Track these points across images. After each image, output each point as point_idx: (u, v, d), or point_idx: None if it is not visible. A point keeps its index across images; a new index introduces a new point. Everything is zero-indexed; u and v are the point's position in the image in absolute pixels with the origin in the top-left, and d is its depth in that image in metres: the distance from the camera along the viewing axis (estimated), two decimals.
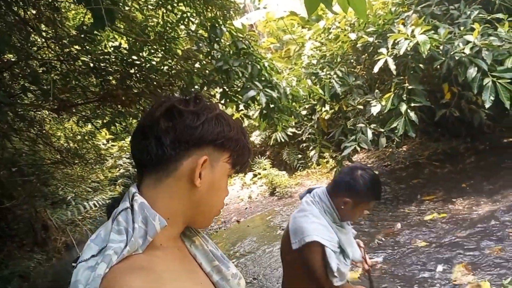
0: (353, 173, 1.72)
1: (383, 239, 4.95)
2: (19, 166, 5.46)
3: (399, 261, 4.29)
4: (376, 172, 7.83)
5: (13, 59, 3.40)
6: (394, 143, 6.49)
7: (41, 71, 3.45)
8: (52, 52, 3.75)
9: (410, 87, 5.29)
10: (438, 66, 5.04)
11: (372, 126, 5.67)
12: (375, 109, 5.48)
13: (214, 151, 0.80)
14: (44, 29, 3.51)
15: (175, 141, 0.75)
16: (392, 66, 5.18)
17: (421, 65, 5.30)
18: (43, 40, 3.50)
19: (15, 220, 7.43)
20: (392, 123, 5.24)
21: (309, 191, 1.89)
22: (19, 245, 7.35)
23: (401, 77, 5.50)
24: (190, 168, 0.77)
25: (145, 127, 0.78)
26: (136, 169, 0.82)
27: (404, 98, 5.26)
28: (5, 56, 3.24)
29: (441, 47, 4.93)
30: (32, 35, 3.36)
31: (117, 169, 10.79)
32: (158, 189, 0.77)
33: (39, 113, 5.01)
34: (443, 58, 4.87)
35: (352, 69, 6.51)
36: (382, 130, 5.54)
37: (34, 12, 2.92)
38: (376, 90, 5.88)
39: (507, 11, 5.04)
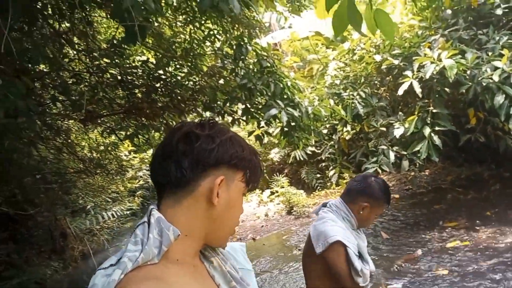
0: (367, 179, 1.86)
1: (403, 265, 4.81)
2: (43, 173, 5.58)
3: None
4: (397, 196, 7.68)
5: (45, 70, 3.52)
6: (417, 166, 6.37)
7: (71, 82, 3.56)
8: (83, 64, 3.88)
9: (434, 110, 5.22)
10: (464, 91, 4.96)
11: (395, 148, 5.59)
12: (398, 131, 5.39)
13: (229, 171, 0.84)
14: (76, 41, 3.64)
15: (193, 163, 0.80)
16: (418, 89, 5.11)
17: (446, 89, 5.23)
18: (75, 52, 3.63)
19: (36, 227, 7.55)
20: (415, 146, 5.17)
21: (324, 205, 1.97)
22: (37, 252, 7.45)
23: (426, 101, 5.43)
24: (208, 188, 0.81)
25: (164, 151, 0.83)
26: (155, 189, 0.87)
27: (428, 122, 5.19)
28: (38, 66, 3.36)
29: (468, 72, 4.86)
30: (65, 47, 3.49)
31: (137, 180, 10.92)
32: (177, 208, 0.81)
33: (66, 122, 5.15)
34: (470, 83, 4.80)
35: (376, 91, 6.47)
36: (405, 153, 5.45)
37: (68, 25, 3.04)
38: (400, 113, 5.81)
39: None
